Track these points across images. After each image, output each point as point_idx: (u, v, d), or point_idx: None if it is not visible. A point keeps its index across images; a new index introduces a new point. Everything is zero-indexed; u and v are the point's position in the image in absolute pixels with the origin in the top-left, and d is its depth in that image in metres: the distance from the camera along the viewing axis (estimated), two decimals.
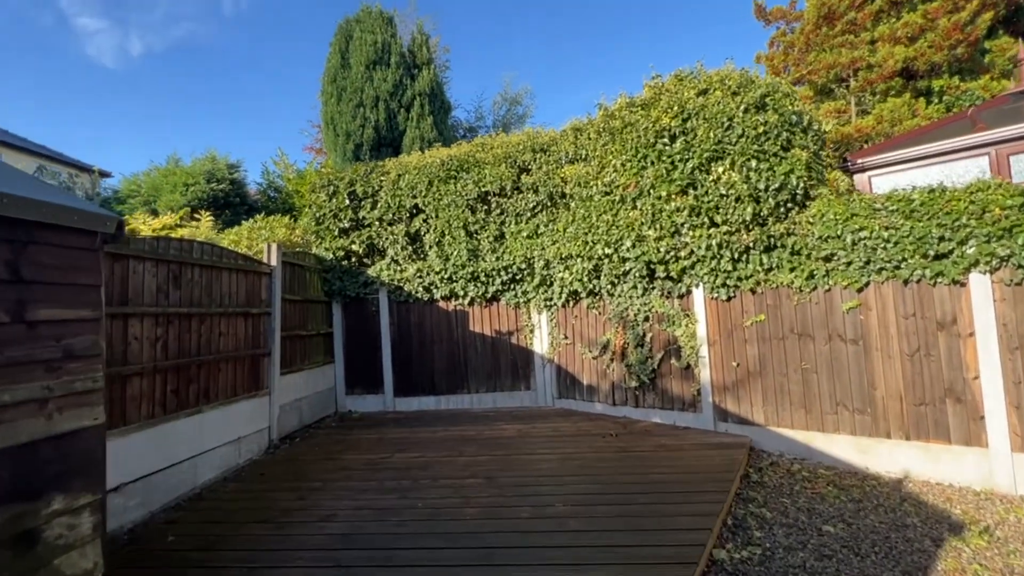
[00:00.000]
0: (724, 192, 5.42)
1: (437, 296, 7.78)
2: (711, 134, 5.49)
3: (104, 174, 17.51)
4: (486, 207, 7.54)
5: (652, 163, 5.92)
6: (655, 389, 6.44)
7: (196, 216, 8.92)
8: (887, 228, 4.71)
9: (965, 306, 4.52)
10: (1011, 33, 11.76)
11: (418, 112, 15.09)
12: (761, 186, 5.23)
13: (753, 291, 5.63)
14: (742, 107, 5.42)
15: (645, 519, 3.69)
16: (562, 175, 7.03)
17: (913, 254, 4.61)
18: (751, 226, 5.40)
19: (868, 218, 4.81)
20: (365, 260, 8.06)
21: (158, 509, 4.30)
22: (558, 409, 7.35)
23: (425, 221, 7.72)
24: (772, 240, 5.34)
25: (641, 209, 6.01)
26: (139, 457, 4.20)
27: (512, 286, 7.56)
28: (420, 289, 7.78)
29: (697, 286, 6.00)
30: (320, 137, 18.05)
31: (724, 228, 5.48)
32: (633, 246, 6.08)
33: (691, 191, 5.66)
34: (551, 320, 7.51)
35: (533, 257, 7.23)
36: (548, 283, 7.28)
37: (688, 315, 6.09)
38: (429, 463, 5.23)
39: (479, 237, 7.53)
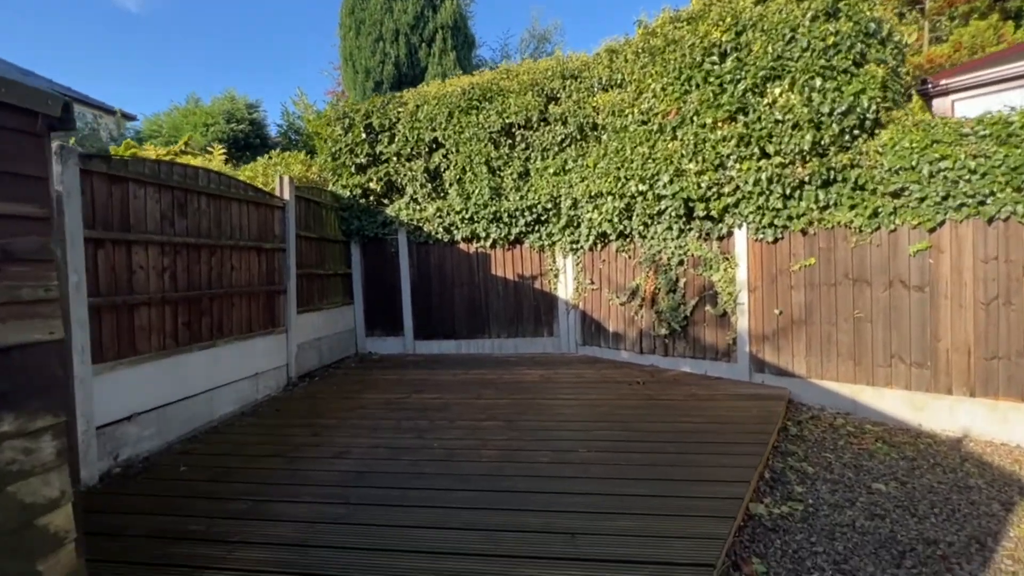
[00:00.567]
0: (780, 117, 4.77)
1: (458, 237, 7.42)
2: (769, 49, 4.78)
3: (128, 117, 17.37)
4: (510, 141, 7.00)
5: (697, 86, 5.26)
6: (686, 337, 6.05)
7: (209, 149, 8.65)
8: (975, 157, 4.05)
9: None
10: None
11: (440, 47, 14.22)
12: (825, 109, 4.56)
13: (804, 232, 5.07)
14: (808, 15, 4.66)
15: (675, 468, 3.41)
16: (594, 104, 6.39)
17: (1004, 187, 3.97)
18: (808, 157, 4.78)
19: (952, 145, 4.14)
20: (383, 199, 7.71)
21: (174, 439, 4.26)
22: (581, 356, 7.07)
23: (445, 156, 7.25)
24: (832, 173, 4.71)
25: (682, 139, 5.41)
26: (152, 388, 4.10)
27: (536, 227, 7.13)
28: (440, 230, 7.43)
29: (740, 227, 5.46)
30: (341, 81, 17.37)
31: (777, 160, 4.87)
32: (671, 181, 5.53)
33: (740, 117, 5.02)
34: (577, 264, 7.10)
35: (560, 196, 6.74)
36: (575, 224, 6.81)
37: (728, 259, 5.59)
38: (447, 404, 5.05)
39: (502, 174, 7.05)
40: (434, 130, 7.17)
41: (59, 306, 1.72)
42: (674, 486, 3.16)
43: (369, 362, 7.37)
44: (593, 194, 6.34)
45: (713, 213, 5.46)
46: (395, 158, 7.43)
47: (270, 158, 7.99)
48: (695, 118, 5.27)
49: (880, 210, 4.55)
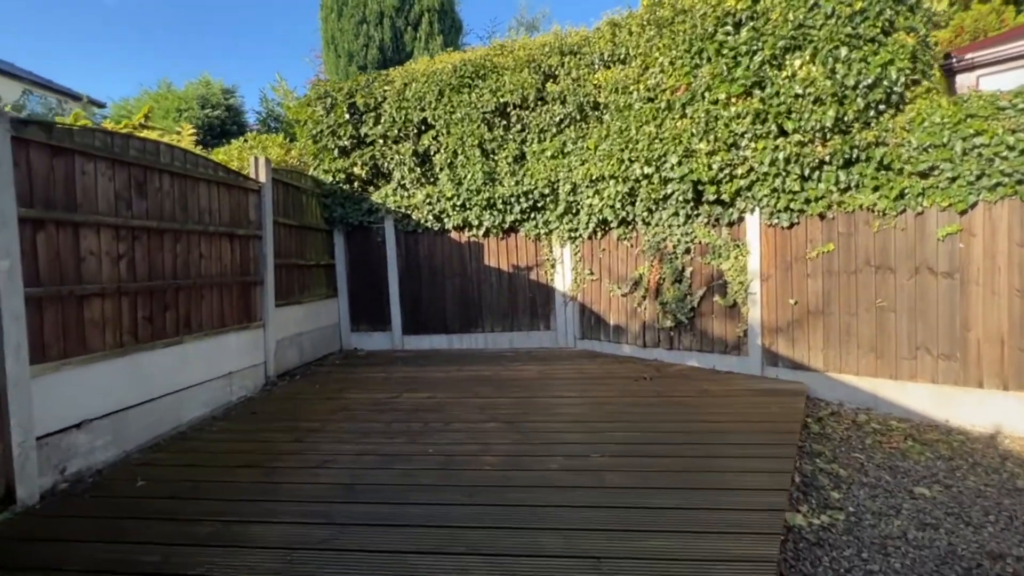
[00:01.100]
0: (800, 91, 4.43)
1: (449, 226, 6.98)
2: (790, 16, 4.42)
3: (96, 103, 16.43)
4: (505, 122, 6.56)
5: (709, 59, 4.89)
6: (693, 330, 5.72)
7: (177, 130, 8.03)
8: (1014, 132, 3.75)
9: None
10: None
11: (426, 31, 13.67)
12: (850, 82, 4.23)
13: (822, 216, 4.75)
14: None
15: (701, 475, 3.06)
16: (595, 81, 5.99)
17: None
18: (830, 135, 4.44)
19: (989, 119, 3.84)
20: (369, 184, 7.22)
21: (133, 449, 3.77)
22: (581, 350, 6.71)
23: (435, 138, 6.79)
24: (855, 152, 4.38)
25: (692, 117, 5.04)
26: (107, 390, 3.61)
27: (532, 215, 6.72)
28: (430, 217, 6.98)
29: (752, 211, 5.12)
30: (324, 67, 16.67)
31: (796, 138, 4.53)
32: (679, 163, 5.16)
33: (756, 92, 4.67)
34: (575, 254, 6.72)
35: (558, 180, 6.33)
36: (574, 211, 6.42)
37: (739, 246, 5.25)
38: (441, 404, 4.64)
39: (496, 157, 6.62)
40: (423, 110, 6.70)
41: None
42: (703, 496, 2.81)
43: (354, 359, 6.90)
44: (594, 178, 5.95)
45: (724, 197, 5.11)
46: (381, 140, 6.94)
47: (246, 140, 7.44)
48: (707, 94, 4.90)
49: (907, 191, 4.24)
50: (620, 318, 6.37)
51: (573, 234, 6.59)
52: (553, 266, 6.90)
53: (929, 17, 4.33)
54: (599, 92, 5.98)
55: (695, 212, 5.47)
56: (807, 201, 4.75)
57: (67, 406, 3.32)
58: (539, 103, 6.38)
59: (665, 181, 5.37)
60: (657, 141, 5.29)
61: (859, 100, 4.26)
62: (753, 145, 4.75)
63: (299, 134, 7.42)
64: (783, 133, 4.64)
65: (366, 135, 6.98)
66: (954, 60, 4.88)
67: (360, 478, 3.18)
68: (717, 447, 3.47)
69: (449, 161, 6.73)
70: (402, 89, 6.76)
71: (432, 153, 6.86)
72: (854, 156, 4.41)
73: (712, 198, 5.21)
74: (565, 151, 6.29)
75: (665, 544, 2.35)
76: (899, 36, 4.11)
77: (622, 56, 5.82)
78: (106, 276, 3.66)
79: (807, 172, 4.62)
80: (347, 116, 6.91)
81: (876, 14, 4.14)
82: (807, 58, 4.39)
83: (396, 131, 6.83)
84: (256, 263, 5.47)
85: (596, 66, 6.06)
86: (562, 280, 6.87)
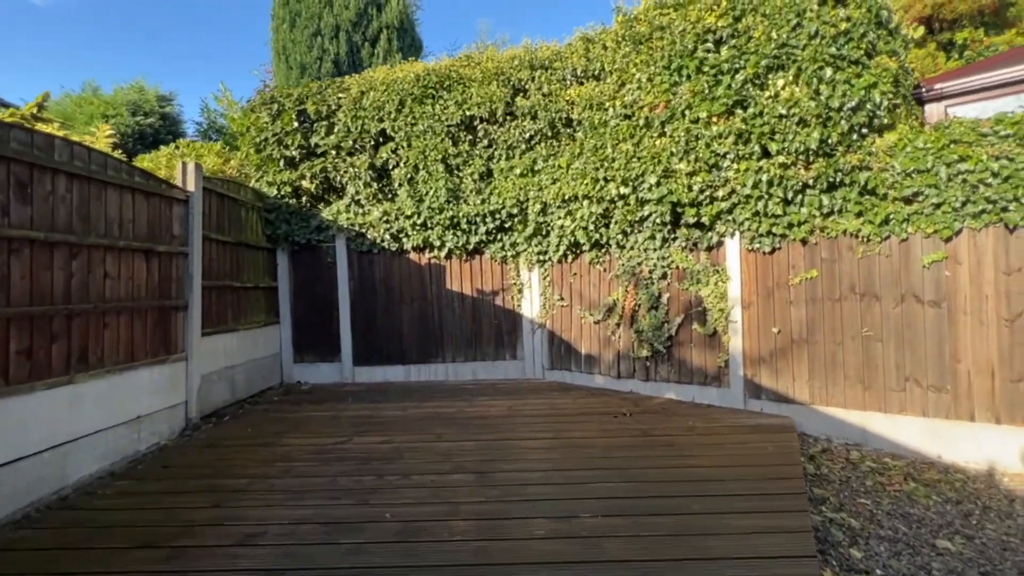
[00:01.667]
0: (784, 112, 4.26)
1: (408, 246, 6.41)
2: (772, 35, 4.28)
3: (6, 105, 14.78)
4: (471, 136, 6.14)
5: (689, 76, 4.69)
6: (670, 359, 5.38)
7: (92, 130, 7.07)
8: (997, 158, 3.69)
9: None
10: None
11: (384, 48, 13.25)
12: (834, 104, 4.09)
13: (804, 241, 4.57)
14: None
15: (712, 541, 2.60)
16: (568, 97, 5.69)
17: None
18: (814, 157, 4.29)
19: (973, 145, 3.77)
20: (319, 200, 6.56)
21: None
22: (551, 382, 6.23)
23: (395, 151, 6.26)
24: (839, 175, 4.24)
25: (672, 136, 4.80)
26: None
27: (499, 236, 6.27)
28: (387, 237, 6.38)
29: (732, 235, 4.89)
30: (273, 79, 15.82)
31: (779, 159, 4.35)
32: (657, 184, 4.89)
33: (739, 112, 4.48)
34: (544, 277, 6.30)
35: (527, 200, 5.93)
36: (544, 232, 6.03)
37: (719, 271, 4.99)
38: (398, 451, 3.99)
39: (461, 174, 6.16)
40: (382, 120, 6.17)
41: None
42: (727, 567, 2.34)
43: (297, 394, 6.10)
44: (566, 198, 5.60)
45: (704, 220, 4.86)
46: (334, 152, 6.33)
47: (177, 147, 6.61)
48: (687, 112, 4.68)
49: (892, 217, 4.11)
50: (593, 347, 5.96)
51: (542, 257, 6.18)
52: (520, 291, 6.44)
53: (907, 43, 4.31)
54: (572, 108, 5.69)
55: (672, 235, 5.19)
56: (789, 226, 4.56)
57: None
58: (508, 118, 6.01)
59: (642, 202, 5.08)
60: (635, 160, 5.01)
61: (843, 123, 4.13)
62: (735, 166, 4.54)
63: (241, 143, 6.69)
64: (766, 154, 4.46)
65: (317, 145, 6.35)
66: (923, 89, 4.93)
67: (296, 559, 2.50)
68: (720, 499, 3.04)
69: (409, 176, 6.20)
70: (359, 97, 6.23)
71: (391, 167, 6.32)
72: (838, 180, 4.26)
73: (691, 221, 4.95)
74: (535, 169, 5.92)
75: None
76: (882, 59, 4.03)
77: (596, 72, 5.57)
78: None
79: (790, 195, 4.44)
80: (296, 124, 6.27)
81: (860, 36, 4.05)
82: (791, 78, 4.25)
83: (351, 142, 6.25)
84: (179, 284, 4.68)
85: (568, 81, 5.78)
86: (530, 306, 6.41)
